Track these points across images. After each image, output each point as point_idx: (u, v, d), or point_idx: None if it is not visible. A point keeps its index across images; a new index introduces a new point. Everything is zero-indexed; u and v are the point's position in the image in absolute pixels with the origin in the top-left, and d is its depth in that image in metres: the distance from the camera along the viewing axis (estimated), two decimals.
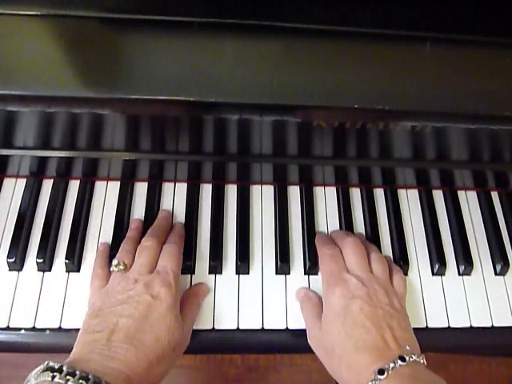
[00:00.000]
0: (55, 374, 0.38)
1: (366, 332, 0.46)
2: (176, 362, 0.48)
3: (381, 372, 0.42)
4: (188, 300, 0.52)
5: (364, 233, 0.61)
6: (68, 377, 0.38)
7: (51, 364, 0.39)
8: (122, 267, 0.51)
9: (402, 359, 0.43)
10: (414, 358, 0.43)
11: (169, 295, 0.47)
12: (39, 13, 0.47)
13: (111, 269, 0.52)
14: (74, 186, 0.60)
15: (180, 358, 0.49)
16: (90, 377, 0.38)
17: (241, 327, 0.53)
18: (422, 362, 0.44)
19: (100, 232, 0.58)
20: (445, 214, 0.63)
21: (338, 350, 0.46)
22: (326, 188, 0.63)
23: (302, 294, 0.55)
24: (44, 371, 0.39)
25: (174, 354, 0.47)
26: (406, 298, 0.54)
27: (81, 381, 0.38)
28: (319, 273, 0.57)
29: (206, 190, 0.61)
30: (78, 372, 0.38)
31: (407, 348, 0.45)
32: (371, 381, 0.42)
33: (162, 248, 0.53)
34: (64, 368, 0.38)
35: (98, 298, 0.49)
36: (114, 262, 0.52)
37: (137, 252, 0.53)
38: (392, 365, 0.42)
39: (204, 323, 0.53)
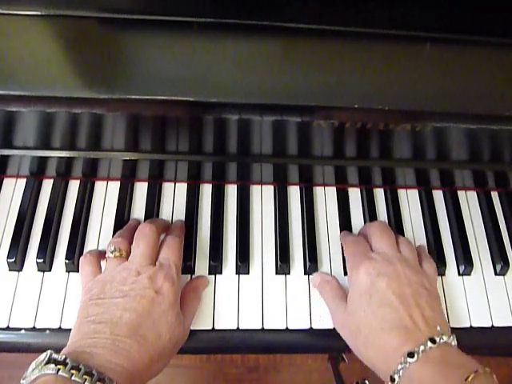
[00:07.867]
0: (59, 366, 0.38)
1: (393, 311, 0.44)
2: (174, 356, 0.48)
3: (411, 355, 0.41)
4: (188, 294, 0.52)
5: None
6: (72, 371, 0.38)
7: (54, 356, 0.39)
8: (118, 254, 0.50)
9: (433, 341, 0.42)
10: (445, 339, 0.42)
11: (171, 291, 0.47)
12: (39, 13, 0.47)
13: (106, 255, 0.51)
14: (74, 186, 0.60)
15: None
16: (94, 372, 0.38)
17: (241, 327, 0.53)
18: (452, 343, 0.43)
19: (100, 232, 0.58)
20: (445, 214, 0.63)
21: (364, 330, 0.45)
22: (326, 188, 0.63)
23: (318, 279, 0.54)
24: (47, 363, 0.38)
25: (174, 349, 0.47)
26: None
27: (85, 376, 0.37)
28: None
29: (206, 190, 0.61)
30: (82, 366, 0.38)
31: (438, 329, 0.43)
32: (400, 363, 0.41)
33: (160, 240, 0.53)
34: (68, 361, 0.38)
35: (94, 285, 0.48)
36: (110, 247, 0.50)
37: (134, 239, 0.51)
38: (422, 347, 0.41)
39: (204, 323, 0.53)
